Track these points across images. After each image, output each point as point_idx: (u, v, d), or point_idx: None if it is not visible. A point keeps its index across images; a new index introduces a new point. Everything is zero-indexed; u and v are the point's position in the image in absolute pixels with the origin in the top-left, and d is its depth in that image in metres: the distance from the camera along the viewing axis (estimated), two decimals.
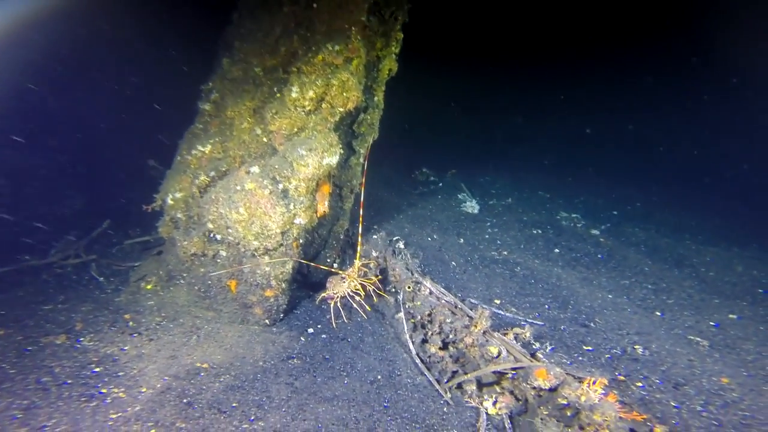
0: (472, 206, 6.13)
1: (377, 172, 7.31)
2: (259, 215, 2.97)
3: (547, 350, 2.96)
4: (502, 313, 3.43)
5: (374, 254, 4.24)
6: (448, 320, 3.07)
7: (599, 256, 4.61)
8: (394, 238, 4.42)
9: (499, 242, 4.94)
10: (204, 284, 3.35)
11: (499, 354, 2.74)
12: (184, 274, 3.43)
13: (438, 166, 8.10)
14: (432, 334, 3.10)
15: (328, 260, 4.53)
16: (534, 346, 2.91)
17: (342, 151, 3.80)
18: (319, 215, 3.47)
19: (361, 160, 4.46)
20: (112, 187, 4.64)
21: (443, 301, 3.29)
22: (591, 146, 10.09)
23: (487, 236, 5.11)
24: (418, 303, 3.35)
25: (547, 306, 3.59)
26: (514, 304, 3.61)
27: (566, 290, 3.82)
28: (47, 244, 4.06)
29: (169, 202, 3.19)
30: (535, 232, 5.31)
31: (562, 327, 3.29)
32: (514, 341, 2.87)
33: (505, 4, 10.55)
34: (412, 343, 3.01)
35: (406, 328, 3.13)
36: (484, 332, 2.88)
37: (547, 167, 9.11)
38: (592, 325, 3.35)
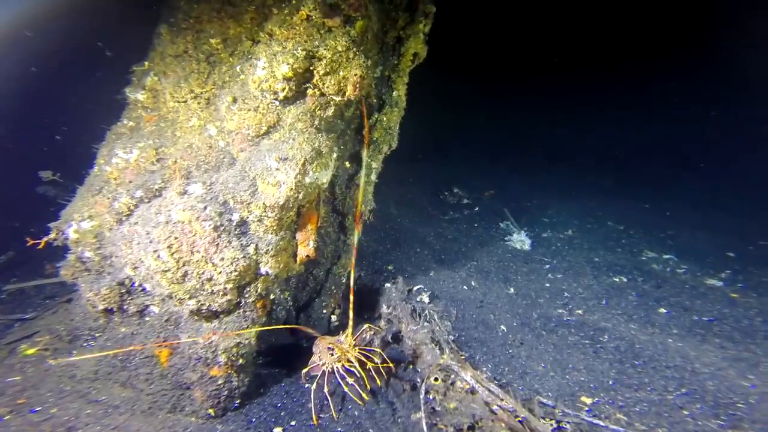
0: (521, 240, 4.94)
1: (396, 191, 6.36)
2: (195, 263, 1.98)
3: None
4: (604, 424, 2.19)
5: (385, 310, 3.13)
6: None
7: (745, 321, 3.27)
8: (415, 288, 3.31)
9: (567, 294, 3.70)
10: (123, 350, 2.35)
11: None
12: (97, 335, 2.46)
13: (471, 186, 7.00)
14: None
15: (324, 311, 3.47)
16: None
17: (337, 163, 2.82)
18: (299, 261, 2.45)
19: (373, 176, 3.47)
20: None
21: (496, 407, 2.11)
22: (671, 165, 8.72)
23: (547, 284, 3.88)
24: (452, 405, 2.18)
25: (687, 412, 2.30)
26: (620, 405, 2.35)
27: (713, 381, 2.52)
28: None
29: (72, 234, 2.26)
30: (617, 280, 4.02)
31: None
32: None
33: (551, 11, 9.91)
34: None
35: None
36: None
37: (610, 189, 7.78)
38: None
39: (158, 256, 1.93)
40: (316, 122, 2.41)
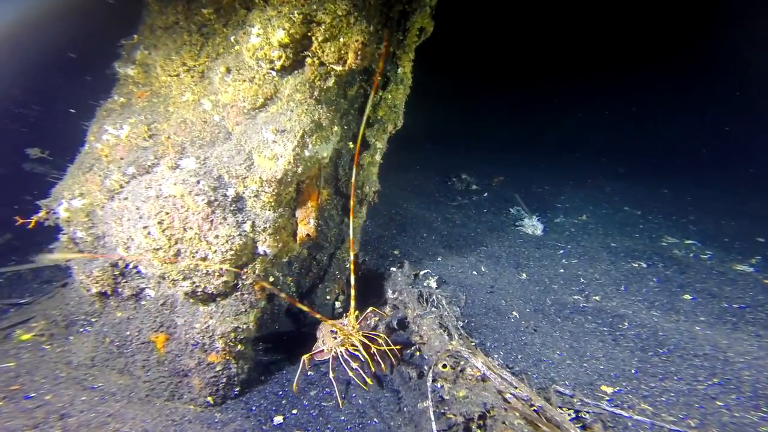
0: (532, 225, 4.74)
1: (402, 176, 6.19)
2: (188, 240, 1.86)
3: None
4: (627, 414, 2.03)
5: (390, 296, 3.00)
6: None
7: None
8: (422, 272, 3.17)
9: (582, 280, 3.51)
10: (120, 335, 2.26)
11: None
12: (93, 319, 2.37)
13: (480, 172, 6.79)
14: None
15: (328, 297, 3.36)
16: None
17: (341, 144, 2.67)
18: (299, 240, 2.32)
19: (378, 157, 3.31)
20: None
21: (509, 396, 1.97)
22: (687, 150, 8.38)
23: (562, 270, 3.70)
24: (462, 393, 2.04)
25: (721, 403, 2.13)
26: (644, 395, 2.19)
27: (750, 371, 2.34)
28: None
29: (62, 213, 2.16)
30: (636, 265, 3.81)
31: None
32: None
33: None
34: None
35: None
36: None
37: (627, 175, 7.49)
38: None
39: (149, 233, 1.81)
40: (316, 93, 2.25)
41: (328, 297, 3.31)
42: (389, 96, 3.19)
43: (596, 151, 9.11)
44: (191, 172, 1.92)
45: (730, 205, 5.69)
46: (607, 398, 2.17)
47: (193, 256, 1.87)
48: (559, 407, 2.05)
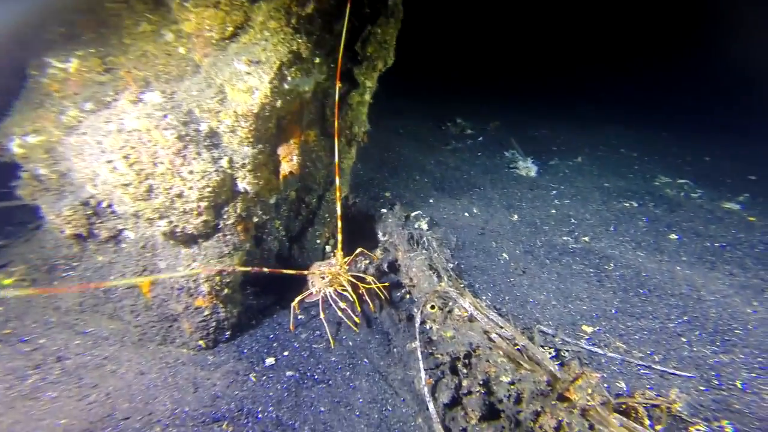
0: (526, 167, 4.61)
1: (394, 120, 5.89)
2: (160, 175, 1.71)
3: None
4: (602, 352, 2.10)
5: (381, 238, 2.95)
6: (504, 378, 1.78)
7: (760, 247, 3.07)
8: (413, 214, 3.08)
9: (573, 221, 3.48)
10: (105, 280, 2.20)
11: None
12: (74, 263, 2.29)
13: (476, 117, 6.48)
14: (471, 394, 1.84)
15: (318, 242, 3.31)
16: None
17: (325, 74, 2.41)
18: (283, 177, 2.17)
19: (367, 96, 3.06)
20: None
21: (495, 336, 1.99)
22: (689, 91, 8.01)
23: (553, 211, 3.65)
24: (449, 334, 2.06)
25: (685, 339, 2.21)
26: (620, 333, 2.25)
27: (717, 308, 2.41)
28: None
29: (16, 149, 1.96)
30: (627, 205, 3.77)
31: (738, 385, 1.94)
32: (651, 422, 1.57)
33: None
34: (435, 406, 1.79)
35: (423, 375, 1.91)
36: (585, 410, 1.58)
37: (625, 120, 7.21)
38: None
39: (114, 168, 1.65)
40: (293, 21, 1.97)
41: (318, 241, 3.25)
42: (378, 30, 2.86)
43: (598, 98, 8.71)
44: (156, 106, 1.71)
45: (728, 146, 5.58)
46: (587, 337, 2.22)
47: (168, 193, 1.73)
48: (541, 346, 2.10)
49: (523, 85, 9.25)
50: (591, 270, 2.84)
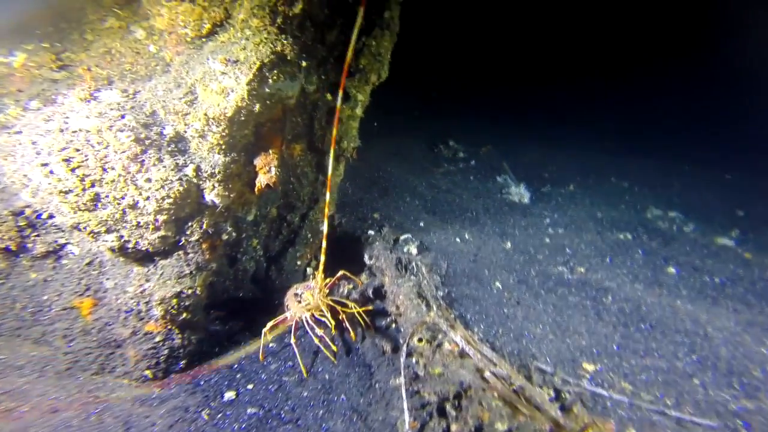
0: (519, 193, 4.50)
1: (385, 140, 5.81)
2: (110, 183, 1.48)
3: None
4: (607, 393, 1.87)
5: (367, 261, 2.73)
6: (500, 426, 1.54)
7: (760, 283, 2.96)
8: (402, 237, 2.89)
9: (568, 251, 3.33)
10: (34, 300, 1.91)
11: None
12: (1, 281, 2.00)
13: (468, 140, 6.45)
14: None
15: (299, 263, 3.07)
16: None
17: (315, 86, 2.28)
18: (258, 191, 1.97)
19: (359, 110, 2.93)
20: None
21: (488, 374, 1.75)
22: (674, 122, 8.21)
23: (547, 240, 3.50)
24: (438, 370, 1.83)
25: (698, 381, 2.01)
26: (625, 373, 2.04)
27: (727, 347, 2.24)
28: None
29: None
30: (621, 237, 3.65)
31: None
32: None
33: None
34: None
35: (407, 417, 1.66)
36: None
37: (613, 147, 7.29)
38: None
39: (51, 172, 1.43)
40: (279, 20, 1.83)
41: (298, 262, 3.02)
42: (373, 42, 2.76)
43: (586, 124, 8.88)
44: (112, 105, 1.52)
45: (713, 177, 5.61)
46: (588, 376, 2.00)
47: (118, 203, 1.50)
48: (540, 386, 1.86)
49: (514, 105, 9.39)
50: (588, 302, 2.66)
